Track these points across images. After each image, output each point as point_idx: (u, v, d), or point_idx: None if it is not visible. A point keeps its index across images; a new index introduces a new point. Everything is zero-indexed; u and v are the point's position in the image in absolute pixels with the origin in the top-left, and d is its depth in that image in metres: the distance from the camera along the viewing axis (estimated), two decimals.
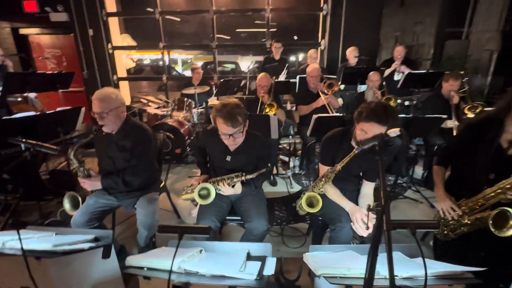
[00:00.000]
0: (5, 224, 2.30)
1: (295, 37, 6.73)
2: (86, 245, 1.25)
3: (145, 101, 4.49)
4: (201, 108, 3.97)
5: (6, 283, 1.18)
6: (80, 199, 1.66)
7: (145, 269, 1.04)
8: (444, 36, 4.62)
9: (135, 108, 3.97)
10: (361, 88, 4.00)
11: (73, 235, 1.37)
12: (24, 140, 1.12)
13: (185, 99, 3.76)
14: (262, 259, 1.22)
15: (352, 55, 3.99)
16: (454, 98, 2.71)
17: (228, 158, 1.65)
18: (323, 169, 1.56)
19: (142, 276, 1.00)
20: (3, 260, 1.14)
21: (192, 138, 3.76)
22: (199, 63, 8.22)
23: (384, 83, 3.24)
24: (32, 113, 2.16)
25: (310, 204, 1.55)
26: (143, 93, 5.95)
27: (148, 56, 12.18)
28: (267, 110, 2.84)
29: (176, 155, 3.71)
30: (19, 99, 3.57)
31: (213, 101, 4.20)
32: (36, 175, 2.47)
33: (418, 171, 3.10)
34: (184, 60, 14.05)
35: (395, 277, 0.97)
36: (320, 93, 3.02)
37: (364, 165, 1.53)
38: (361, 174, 1.62)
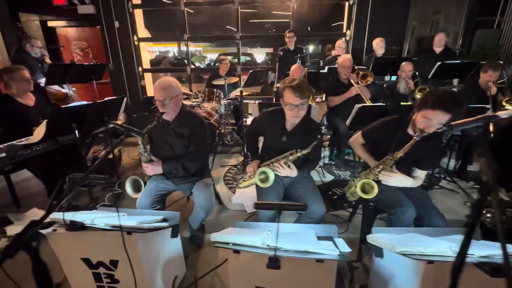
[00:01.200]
0: (60, 207, 2.44)
1: (308, 28, 6.69)
2: (164, 224, 1.35)
3: None
4: (227, 99, 4.03)
5: (96, 257, 1.29)
6: (142, 183, 1.76)
7: (231, 244, 1.12)
8: (473, 25, 4.51)
9: None
10: (388, 79, 3.99)
11: (143, 216, 1.47)
12: (121, 124, 1.20)
13: (214, 90, 3.82)
14: (330, 239, 1.29)
15: (379, 46, 3.95)
16: (492, 89, 2.68)
17: (284, 138, 1.72)
18: (356, 139, 1.75)
19: (232, 250, 1.08)
20: (93, 235, 1.24)
21: (220, 128, 3.84)
22: (212, 56, 8.25)
23: (417, 73, 3.21)
24: (84, 102, 2.26)
25: (364, 191, 1.61)
26: None
27: (157, 49, 12.26)
28: None
29: None
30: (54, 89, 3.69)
31: (237, 92, 4.25)
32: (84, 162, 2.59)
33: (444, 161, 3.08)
34: (192, 53, 14.09)
35: (472, 256, 1.02)
36: (354, 83, 3.03)
37: (418, 153, 1.57)
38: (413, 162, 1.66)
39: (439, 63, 3.35)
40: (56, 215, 1.22)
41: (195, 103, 3.92)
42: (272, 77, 5.60)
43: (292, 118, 1.63)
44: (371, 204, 1.72)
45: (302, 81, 1.57)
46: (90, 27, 5.36)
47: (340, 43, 4.38)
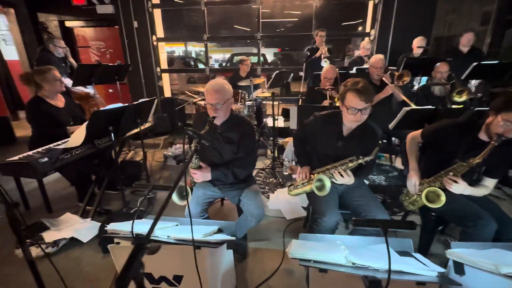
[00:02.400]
0: (94, 212, 2.38)
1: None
2: (232, 237, 1.26)
3: (190, 94, 4.51)
4: (252, 101, 3.95)
5: (159, 271, 1.21)
6: (190, 190, 1.67)
7: (312, 261, 1.03)
8: (504, 24, 4.36)
9: (189, 101, 3.97)
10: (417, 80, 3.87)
11: (199, 226, 1.38)
12: (194, 130, 1.12)
13: (239, 91, 3.73)
14: (408, 254, 1.20)
15: (417, 45, 3.83)
16: None
17: (340, 143, 1.62)
18: (415, 137, 1.71)
19: (318, 269, 1.00)
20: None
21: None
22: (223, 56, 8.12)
23: (453, 74, 3.09)
24: (119, 104, 2.19)
25: (427, 200, 1.51)
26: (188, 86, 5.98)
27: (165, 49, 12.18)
28: (338, 103, 2.78)
29: None
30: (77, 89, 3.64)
31: (259, 93, 4.16)
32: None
33: None
34: (197, 53, 14.02)
35: None
36: (388, 83, 2.92)
37: (490, 160, 1.46)
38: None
39: (475, 63, 3.22)
40: (121, 227, 1.14)
41: None
42: (289, 78, 5.51)
43: (353, 123, 1.53)
44: (433, 214, 1.62)
45: (366, 83, 1.47)
46: (108, 27, 5.32)
47: (365, 43, 4.27)
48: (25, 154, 1.87)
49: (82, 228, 2.08)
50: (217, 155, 1.72)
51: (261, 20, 4.69)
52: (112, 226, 1.25)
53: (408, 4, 4.35)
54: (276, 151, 3.39)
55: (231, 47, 13.86)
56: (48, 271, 1.80)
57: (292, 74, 4.62)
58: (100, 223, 2.14)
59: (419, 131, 1.71)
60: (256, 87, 4.29)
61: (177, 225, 1.44)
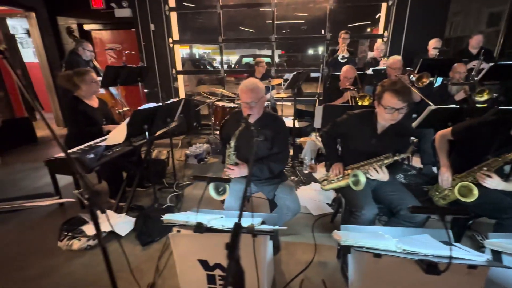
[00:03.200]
0: (128, 208, 2.46)
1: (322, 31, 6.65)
2: (283, 227, 1.34)
3: (205, 94, 4.61)
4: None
5: (215, 259, 1.28)
6: (227, 186, 1.75)
7: (364, 248, 1.10)
8: None
9: (209, 101, 4.06)
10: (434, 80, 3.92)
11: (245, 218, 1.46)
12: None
13: None
14: (449, 244, 1.26)
15: (433, 46, 3.90)
16: None
17: (374, 141, 1.69)
18: (445, 135, 1.75)
19: (373, 254, 1.07)
20: (215, 237, 1.23)
21: None
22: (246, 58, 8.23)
23: (471, 74, 3.15)
24: (153, 104, 2.28)
25: (460, 194, 1.57)
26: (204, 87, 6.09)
27: None
28: (360, 102, 2.85)
29: None
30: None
31: (276, 93, 4.25)
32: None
33: None
34: (201, 55, 14.15)
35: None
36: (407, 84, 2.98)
37: None
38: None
39: (491, 64, 3.28)
40: (180, 217, 1.22)
41: (236, 105, 3.92)
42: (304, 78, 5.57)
43: (388, 121, 1.60)
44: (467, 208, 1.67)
45: (404, 83, 1.54)
46: (124, 30, 5.44)
47: (379, 44, 4.34)
48: (71, 151, 1.96)
49: (118, 223, 2.17)
50: (251, 151, 1.80)
51: (275, 22, 4.78)
52: (167, 217, 1.33)
53: (421, 6, 4.42)
54: (293, 151, 3.46)
55: (234, 49, 14.00)
56: (93, 262, 1.90)
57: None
58: (134, 218, 2.23)
59: (448, 129, 1.77)
60: (272, 88, 4.38)
61: (221, 217, 1.52)
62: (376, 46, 4.31)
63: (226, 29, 5.04)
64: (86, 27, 5.44)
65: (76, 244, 1.98)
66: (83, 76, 2.34)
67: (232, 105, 4.05)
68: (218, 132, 4.18)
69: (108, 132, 2.37)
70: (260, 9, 4.88)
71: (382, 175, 1.61)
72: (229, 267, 0.67)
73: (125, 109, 3.69)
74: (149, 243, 2.04)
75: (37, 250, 2.00)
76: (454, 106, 2.19)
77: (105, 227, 2.13)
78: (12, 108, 4.67)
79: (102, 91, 3.77)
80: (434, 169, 3.00)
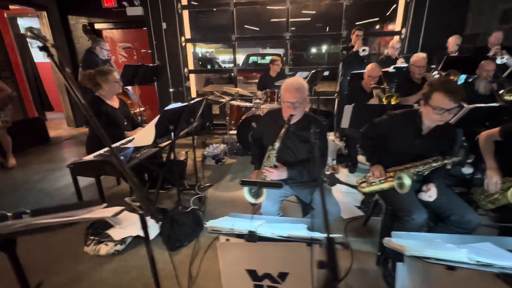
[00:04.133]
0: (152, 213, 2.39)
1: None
2: (338, 235, 1.26)
3: (218, 94, 4.53)
4: None
5: (264, 268, 1.21)
6: (264, 189, 1.67)
7: (433, 259, 1.02)
8: None
9: (226, 101, 3.99)
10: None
11: (289, 224, 1.39)
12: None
13: (276, 90, 3.74)
14: None
15: (454, 43, 3.80)
16: None
17: (418, 142, 1.61)
18: (491, 136, 1.65)
19: (445, 266, 0.99)
20: (265, 245, 1.16)
21: None
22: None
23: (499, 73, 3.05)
24: (179, 104, 2.21)
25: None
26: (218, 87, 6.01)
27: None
28: (386, 101, 2.77)
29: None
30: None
31: None
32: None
33: None
34: (203, 54, 14.05)
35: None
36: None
37: None
38: None
39: None
40: (224, 223, 1.15)
41: (252, 104, 3.84)
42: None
43: (437, 122, 1.52)
44: None
45: (455, 82, 1.46)
46: (135, 29, 5.38)
47: (395, 42, 4.22)
48: (97, 153, 1.90)
49: None
50: (290, 153, 1.73)
51: (289, 20, 4.69)
52: (212, 224, 1.26)
53: (441, 1, 4.31)
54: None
55: (238, 48, 13.87)
56: (122, 269, 1.83)
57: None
58: (159, 223, 2.16)
59: (496, 129, 1.68)
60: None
61: (263, 222, 1.45)
62: (392, 44, 4.19)
63: (238, 27, 4.97)
64: (97, 26, 5.38)
65: (104, 249, 1.92)
66: (106, 75, 2.28)
67: (247, 104, 3.97)
68: (233, 132, 4.12)
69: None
70: (274, 7, 4.79)
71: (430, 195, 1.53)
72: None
73: (140, 109, 3.63)
74: (178, 248, 1.98)
75: (64, 255, 1.94)
76: (493, 104, 2.10)
77: (132, 231, 2.08)
78: (25, 108, 4.64)
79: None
80: (464, 169, 2.91)
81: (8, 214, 0.83)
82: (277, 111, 1.84)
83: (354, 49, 3.98)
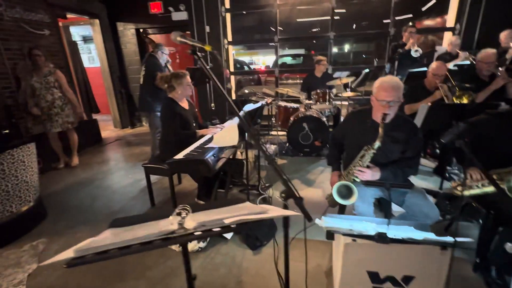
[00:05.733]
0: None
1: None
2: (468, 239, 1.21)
3: (260, 94, 4.55)
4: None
5: (388, 271, 1.19)
6: (355, 189, 1.65)
7: None
8: None
9: (275, 101, 4.01)
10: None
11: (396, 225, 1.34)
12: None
13: (327, 90, 3.70)
14: None
15: (508, 38, 3.57)
16: None
17: None
18: None
19: None
20: (393, 248, 1.14)
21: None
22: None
23: None
24: (252, 105, 2.25)
25: None
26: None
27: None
28: (457, 101, 2.66)
29: (316, 148, 3.70)
30: None
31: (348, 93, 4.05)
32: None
33: None
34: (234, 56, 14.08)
35: None
36: (504, 77, 2.74)
37: None
38: None
39: None
40: (342, 223, 1.14)
41: (306, 104, 3.81)
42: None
43: None
44: None
45: None
46: None
47: (454, 38, 4.03)
48: (185, 152, 1.96)
49: None
50: (382, 154, 1.69)
51: (334, 17, 4.62)
52: (327, 224, 1.26)
53: None
54: None
55: (256, 50, 13.82)
56: (210, 266, 1.88)
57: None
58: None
59: None
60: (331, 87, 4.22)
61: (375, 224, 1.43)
62: (451, 40, 4.01)
63: (242, 32, 4.96)
64: (143, 31, 5.61)
65: (189, 246, 1.98)
66: (181, 79, 2.36)
67: (294, 105, 3.96)
68: (282, 133, 4.12)
69: (201, 136, 2.38)
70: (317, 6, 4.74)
71: None
72: None
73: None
74: (259, 247, 2.00)
75: (153, 251, 2.03)
76: None
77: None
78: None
79: None
80: None
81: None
82: (363, 111, 1.81)
83: (407, 47, 3.84)
